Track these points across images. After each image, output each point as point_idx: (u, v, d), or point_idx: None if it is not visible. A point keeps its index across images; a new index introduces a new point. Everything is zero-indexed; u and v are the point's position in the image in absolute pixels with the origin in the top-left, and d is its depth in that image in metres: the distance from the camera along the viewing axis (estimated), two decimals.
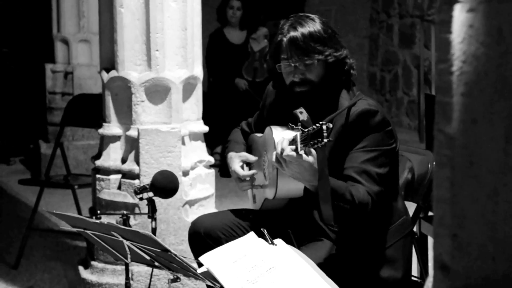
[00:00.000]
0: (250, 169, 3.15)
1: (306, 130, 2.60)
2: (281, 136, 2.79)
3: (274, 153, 2.80)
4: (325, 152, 2.63)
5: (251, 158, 3.13)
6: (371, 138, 2.84)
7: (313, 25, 2.91)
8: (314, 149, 2.60)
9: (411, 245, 3.06)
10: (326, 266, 2.80)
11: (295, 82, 2.93)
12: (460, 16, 1.22)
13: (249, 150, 3.23)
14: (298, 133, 2.64)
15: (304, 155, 2.65)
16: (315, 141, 2.54)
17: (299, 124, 2.79)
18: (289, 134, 2.74)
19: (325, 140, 2.51)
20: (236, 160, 3.14)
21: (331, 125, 2.55)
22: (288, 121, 2.88)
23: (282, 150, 2.69)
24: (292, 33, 2.90)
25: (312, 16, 2.99)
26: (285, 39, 2.91)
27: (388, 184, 2.89)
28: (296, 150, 2.64)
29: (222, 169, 3.31)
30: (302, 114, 2.93)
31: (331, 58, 2.91)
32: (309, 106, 2.96)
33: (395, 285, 2.93)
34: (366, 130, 2.84)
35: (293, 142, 2.69)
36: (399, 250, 2.95)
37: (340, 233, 2.92)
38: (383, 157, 2.85)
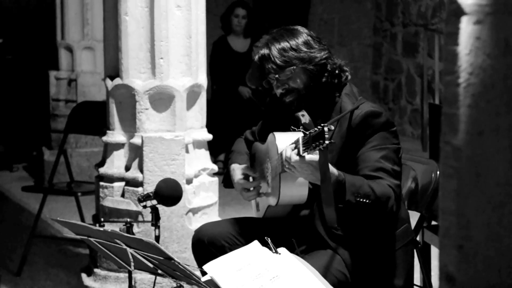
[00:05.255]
0: (254, 178, 3.15)
1: (307, 132, 2.61)
2: (285, 142, 2.80)
3: (277, 158, 2.82)
4: (327, 155, 2.63)
5: (252, 174, 3.14)
6: (379, 137, 2.87)
7: (285, 37, 2.97)
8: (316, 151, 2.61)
9: (413, 253, 3.06)
10: (328, 272, 2.80)
11: (282, 93, 2.97)
12: (467, 28, 1.22)
13: (253, 158, 3.24)
14: (300, 136, 2.66)
15: (310, 156, 2.66)
16: (317, 143, 2.55)
17: (301, 127, 2.80)
18: (293, 139, 2.75)
19: (327, 142, 2.52)
20: (239, 172, 3.15)
21: (332, 127, 2.56)
22: (290, 127, 2.90)
23: (289, 158, 2.70)
24: (261, 51, 2.97)
25: (290, 27, 3.03)
26: (256, 58, 2.99)
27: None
28: (298, 153, 2.66)
29: (225, 180, 3.29)
30: (304, 117, 2.98)
31: (308, 65, 2.94)
32: (308, 112, 2.99)
33: None
34: (372, 130, 2.87)
35: (295, 144, 2.70)
36: (401, 258, 2.96)
37: (342, 240, 2.92)
38: (394, 154, 2.88)
